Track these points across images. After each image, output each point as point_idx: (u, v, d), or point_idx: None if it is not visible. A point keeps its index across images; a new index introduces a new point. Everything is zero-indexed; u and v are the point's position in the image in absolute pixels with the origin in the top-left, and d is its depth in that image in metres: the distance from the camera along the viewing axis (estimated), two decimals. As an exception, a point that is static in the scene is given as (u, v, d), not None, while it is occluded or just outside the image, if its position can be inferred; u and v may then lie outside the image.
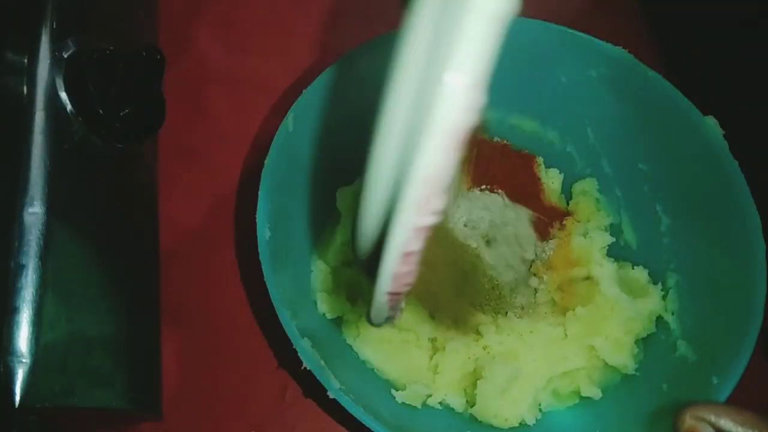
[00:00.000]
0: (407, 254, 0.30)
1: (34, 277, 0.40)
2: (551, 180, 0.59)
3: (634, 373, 0.52)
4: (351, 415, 0.43)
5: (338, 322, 0.53)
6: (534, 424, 0.51)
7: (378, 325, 0.37)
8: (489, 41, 0.27)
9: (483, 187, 0.57)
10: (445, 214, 0.54)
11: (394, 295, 0.33)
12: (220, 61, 0.66)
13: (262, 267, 0.46)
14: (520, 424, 0.50)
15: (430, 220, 0.29)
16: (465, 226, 0.54)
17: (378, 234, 0.31)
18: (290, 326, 0.44)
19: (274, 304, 0.45)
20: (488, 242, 0.55)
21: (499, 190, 0.57)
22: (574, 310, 0.53)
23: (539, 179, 0.59)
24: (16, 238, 0.40)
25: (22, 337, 0.39)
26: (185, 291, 0.57)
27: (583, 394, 0.52)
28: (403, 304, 0.36)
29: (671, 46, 0.70)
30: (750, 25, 0.68)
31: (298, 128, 0.51)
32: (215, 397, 0.53)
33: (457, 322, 0.53)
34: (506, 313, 0.54)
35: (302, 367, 0.44)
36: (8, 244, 0.40)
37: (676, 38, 0.71)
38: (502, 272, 0.54)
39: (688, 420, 0.36)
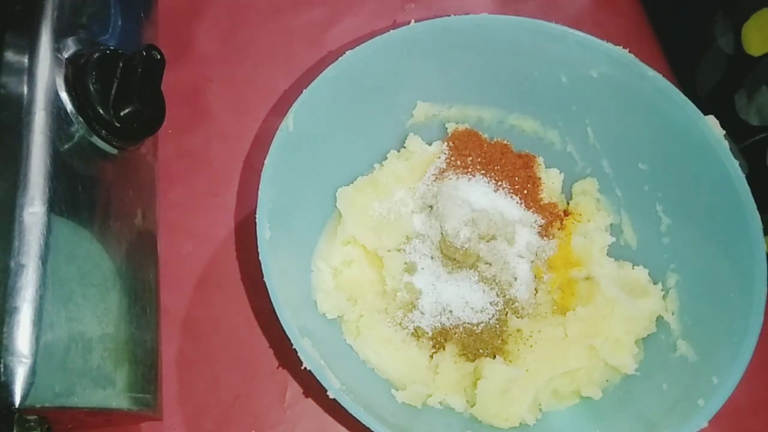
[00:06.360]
0: None
1: (34, 277, 0.40)
2: (551, 180, 0.59)
3: (634, 373, 0.52)
4: (351, 415, 0.43)
5: (338, 322, 0.53)
6: (534, 424, 0.50)
7: None
8: None
9: (483, 186, 0.57)
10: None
11: None
12: (220, 61, 0.66)
13: (262, 267, 0.46)
14: (520, 424, 0.50)
15: None
16: (465, 225, 0.54)
17: None
18: (290, 326, 0.44)
19: (274, 304, 0.45)
20: (488, 242, 0.55)
21: (500, 190, 0.57)
22: (574, 310, 0.53)
23: (539, 179, 0.59)
24: (16, 238, 0.40)
25: (22, 337, 0.39)
26: (185, 291, 0.57)
27: (583, 394, 0.52)
28: None
29: (671, 46, 0.70)
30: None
31: (298, 128, 0.51)
32: (215, 397, 0.54)
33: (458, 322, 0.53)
34: (506, 312, 0.54)
35: (302, 367, 0.44)
36: (8, 244, 0.40)
37: (676, 38, 0.72)
38: (502, 271, 0.54)
39: None
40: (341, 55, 0.53)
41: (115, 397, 0.44)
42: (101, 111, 0.47)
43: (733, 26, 0.65)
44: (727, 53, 0.65)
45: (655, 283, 0.54)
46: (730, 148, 0.51)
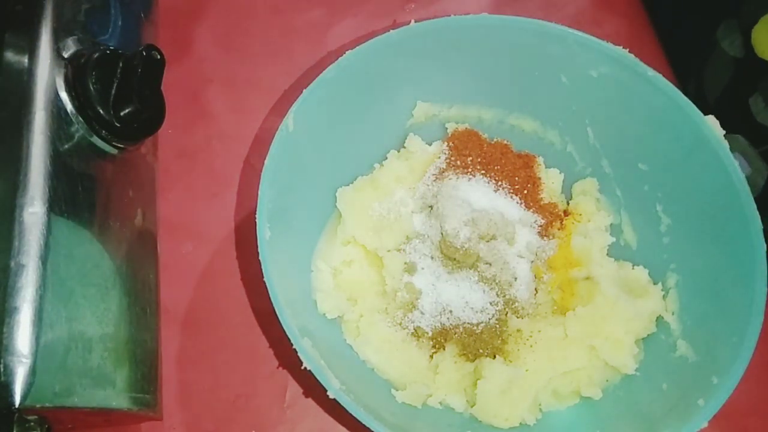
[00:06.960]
0: None
1: (34, 277, 0.40)
2: (551, 180, 0.59)
3: (634, 373, 0.52)
4: (351, 415, 0.43)
5: (338, 322, 0.53)
6: (534, 424, 0.51)
7: None
8: None
9: (483, 186, 0.57)
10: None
11: None
12: (220, 61, 0.66)
13: (262, 267, 0.46)
14: (520, 424, 0.50)
15: None
16: (465, 225, 0.54)
17: None
18: (290, 326, 0.45)
19: (274, 304, 0.45)
20: (488, 242, 0.55)
21: (500, 190, 0.57)
22: (574, 310, 0.53)
23: (539, 179, 0.59)
24: (16, 238, 0.41)
25: (22, 337, 0.39)
26: (185, 291, 0.57)
27: (583, 394, 0.52)
28: None
29: (671, 46, 0.70)
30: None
31: (298, 128, 0.51)
32: (215, 397, 0.54)
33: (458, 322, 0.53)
34: (506, 312, 0.54)
35: (302, 367, 0.44)
36: (8, 244, 0.40)
37: (676, 38, 0.72)
38: (502, 271, 0.54)
39: None
40: (341, 55, 0.53)
41: (115, 397, 0.44)
42: (101, 111, 0.47)
43: (741, 29, 0.65)
44: (732, 56, 0.65)
45: (655, 283, 0.54)
46: (749, 153, 0.51)
